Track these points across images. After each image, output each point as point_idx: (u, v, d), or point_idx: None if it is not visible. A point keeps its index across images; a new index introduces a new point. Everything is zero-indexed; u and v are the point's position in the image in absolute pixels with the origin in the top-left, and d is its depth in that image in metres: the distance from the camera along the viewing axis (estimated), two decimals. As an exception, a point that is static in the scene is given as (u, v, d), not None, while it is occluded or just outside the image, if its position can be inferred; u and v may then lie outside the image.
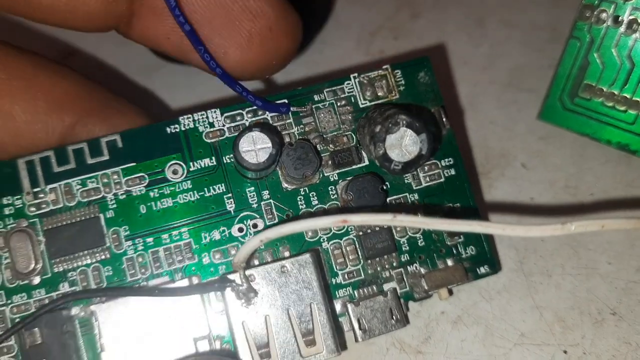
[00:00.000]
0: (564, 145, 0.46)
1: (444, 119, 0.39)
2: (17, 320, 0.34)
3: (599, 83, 0.43)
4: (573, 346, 0.40)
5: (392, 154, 0.35)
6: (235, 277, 0.34)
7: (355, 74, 0.39)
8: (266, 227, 0.37)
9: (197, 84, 0.49)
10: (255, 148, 0.35)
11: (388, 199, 0.38)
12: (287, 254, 0.37)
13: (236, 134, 0.37)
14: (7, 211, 0.35)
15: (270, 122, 0.38)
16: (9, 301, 0.35)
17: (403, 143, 0.35)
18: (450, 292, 0.38)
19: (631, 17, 0.41)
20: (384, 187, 0.37)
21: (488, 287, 0.42)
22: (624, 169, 0.45)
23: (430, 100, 0.39)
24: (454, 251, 0.38)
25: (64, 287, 0.35)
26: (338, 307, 0.37)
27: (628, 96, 0.42)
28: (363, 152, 0.38)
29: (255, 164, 0.35)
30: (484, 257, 0.39)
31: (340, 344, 0.35)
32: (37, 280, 0.35)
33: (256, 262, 0.36)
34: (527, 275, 0.42)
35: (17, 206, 0.35)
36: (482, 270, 0.38)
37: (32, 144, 0.37)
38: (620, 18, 0.42)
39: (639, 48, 0.41)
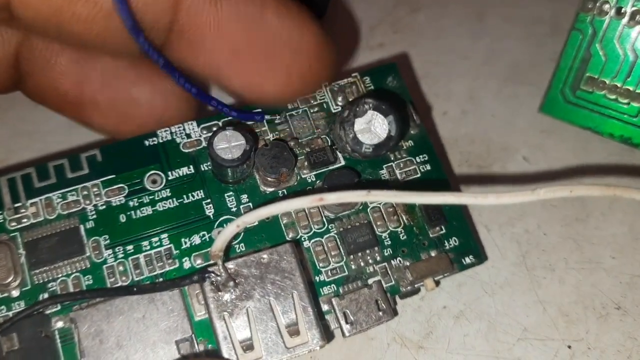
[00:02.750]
0: (566, 139, 0.46)
1: (415, 116, 0.39)
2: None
3: (601, 75, 0.42)
4: (577, 341, 0.39)
5: (362, 137, 0.35)
6: (214, 268, 0.34)
7: (326, 82, 0.40)
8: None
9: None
10: (230, 145, 0.35)
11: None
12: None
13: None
14: (-13, 227, 0.36)
15: (246, 129, 0.38)
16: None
17: (372, 126, 0.35)
18: (437, 283, 0.37)
19: (634, 9, 0.41)
20: (359, 181, 0.37)
21: (490, 281, 0.41)
22: (626, 162, 0.45)
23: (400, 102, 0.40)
24: (437, 243, 0.38)
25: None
26: (324, 304, 0.36)
27: (631, 89, 0.42)
28: (338, 153, 0.38)
29: (230, 160, 0.35)
30: (467, 247, 0.38)
31: (327, 336, 0.34)
32: (16, 292, 0.35)
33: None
34: (530, 269, 0.41)
35: (-2, 221, 0.36)
36: (468, 260, 0.37)
37: None
38: (623, 9, 0.41)
39: (641, 40, 0.41)
